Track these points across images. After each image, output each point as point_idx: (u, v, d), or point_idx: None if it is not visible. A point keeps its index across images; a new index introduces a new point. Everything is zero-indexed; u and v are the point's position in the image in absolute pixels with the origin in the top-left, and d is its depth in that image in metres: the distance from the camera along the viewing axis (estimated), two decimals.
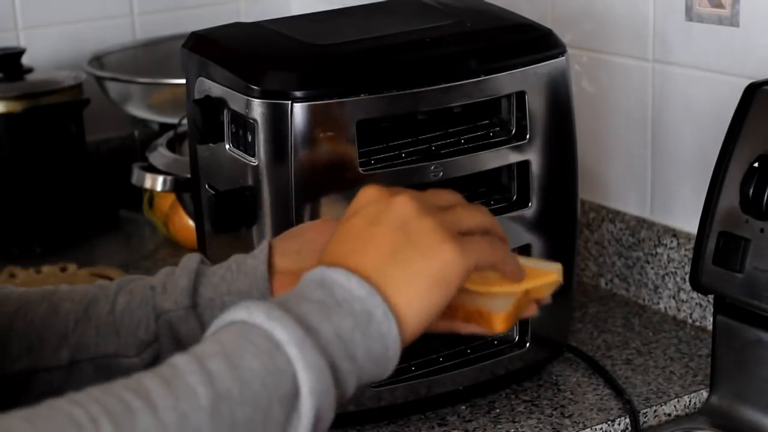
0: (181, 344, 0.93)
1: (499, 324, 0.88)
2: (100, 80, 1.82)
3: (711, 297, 1.34)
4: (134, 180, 1.69)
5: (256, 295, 0.92)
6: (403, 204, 0.81)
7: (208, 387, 0.71)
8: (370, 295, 0.78)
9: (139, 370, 0.91)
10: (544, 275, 0.92)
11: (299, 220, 1.13)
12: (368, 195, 0.84)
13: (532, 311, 0.92)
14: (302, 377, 0.74)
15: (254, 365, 0.73)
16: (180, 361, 0.73)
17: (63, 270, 1.66)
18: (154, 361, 0.93)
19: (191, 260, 0.96)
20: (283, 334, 0.74)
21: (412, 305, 0.79)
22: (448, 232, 0.80)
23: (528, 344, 1.28)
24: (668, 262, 1.46)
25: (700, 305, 1.43)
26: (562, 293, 1.30)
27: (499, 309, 0.88)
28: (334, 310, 0.77)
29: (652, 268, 1.48)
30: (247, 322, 0.75)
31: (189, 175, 1.31)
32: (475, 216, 0.84)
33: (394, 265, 0.79)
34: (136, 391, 0.70)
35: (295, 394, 0.74)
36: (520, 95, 1.20)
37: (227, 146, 1.18)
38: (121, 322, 0.94)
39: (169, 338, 0.93)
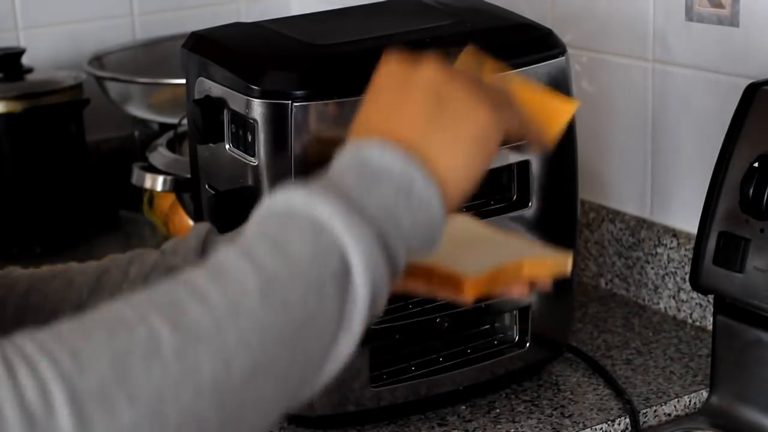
0: None
1: (468, 290, 0.84)
2: (100, 80, 1.82)
3: (711, 297, 1.34)
4: (134, 180, 1.69)
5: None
6: (432, 70, 0.79)
7: (256, 273, 0.68)
8: (407, 164, 0.75)
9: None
10: (548, 260, 0.89)
11: None
12: (391, 66, 0.81)
13: (520, 291, 0.88)
14: (352, 251, 0.71)
15: (301, 247, 0.70)
16: (225, 254, 0.70)
17: None
18: None
19: (201, 227, 0.96)
20: (326, 209, 0.71)
21: (454, 170, 0.77)
22: (481, 93, 0.79)
23: (528, 344, 1.28)
24: (668, 262, 1.46)
25: (700, 305, 1.43)
26: (562, 293, 1.30)
27: (472, 273, 0.84)
28: (374, 184, 0.74)
29: (652, 268, 1.48)
30: (290, 207, 0.72)
31: (189, 175, 1.31)
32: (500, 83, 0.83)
33: (432, 131, 0.77)
34: (185, 284, 0.68)
35: (346, 271, 0.71)
36: None
37: (227, 146, 1.18)
38: (134, 288, 0.94)
39: None
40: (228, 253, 0.70)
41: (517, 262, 0.87)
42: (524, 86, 0.88)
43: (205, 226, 0.97)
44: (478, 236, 0.92)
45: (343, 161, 0.77)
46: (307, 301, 0.69)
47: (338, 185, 0.74)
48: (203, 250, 0.94)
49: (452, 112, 0.78)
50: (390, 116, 0.79)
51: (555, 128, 0.87)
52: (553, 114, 0.88)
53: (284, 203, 0.73)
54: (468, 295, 0.84)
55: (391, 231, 0.73)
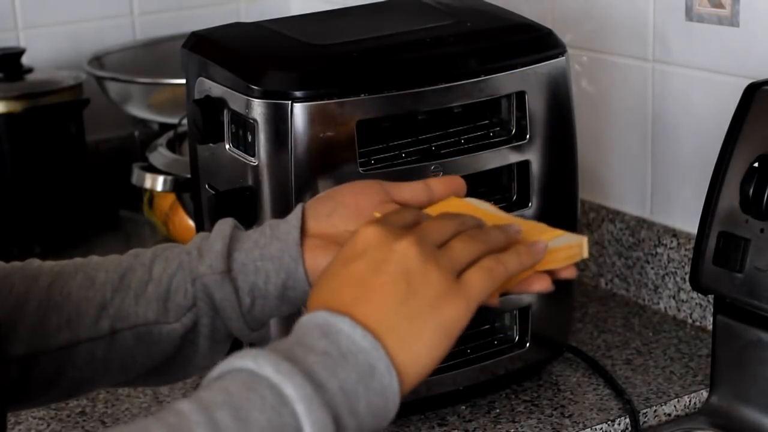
0: (216, 309, 0.93)
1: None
2: (100, 80, 1.82)
3: (711, 297, 1.34)
4: (134, 180, 1.69)
5: (287, 260, 0.92)
6: (406, 251, 0.80)
7: None
8: (374, 348, 0.77)
9: (179, 335, 0.94)
10: (564, 246, 0.87)
11: None
12: (368, 238, 0.81)
13: (542, 285, 0.87)
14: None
15: (261, 419, 0.72)
16: (186, 408, 0.72)
17: None
18: (194, 326, 0.94)
19: (225, 225, 0.95)
20: (292, 390, 0.73)
21: (416, 358, 0.78)
22: (452, 281, 0.80)
23: (528, 344, 1.28)
24: (668, 262, 1.46)
25: (700, 305, 1.43)
26: (562, 293, 1.30)
27: None
28: (340, 363, 0.76)
29: (652, 268, 1.48)
30: (255, 372, 0.74)
31: (189, 175, 1.31)
32: (474, 247, 0.83)
33: (399, 317, 0.78)
34: None
35: None
36: (520, 95, 1.20)
37: (227, 146, 1.18)
38: (159, 289, 0.94)
39: (205, 302, 0.94)
40: (191, 409, 0.72)
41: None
42: (530, 228, 0.88)
43: (229, 224, 0.95)
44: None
45: (313, 330, 0.78)
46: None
47: (305, 361, 0.75)
48: (229, 253, 0.93)
49: (421, 301, 0.79)
50: (361, 295, 0.79)
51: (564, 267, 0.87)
52: (563, 256, 0.87)
53: (255, 368, 0.75)
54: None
55: (346, 416, 0.75)
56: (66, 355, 0.93)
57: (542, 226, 0.90)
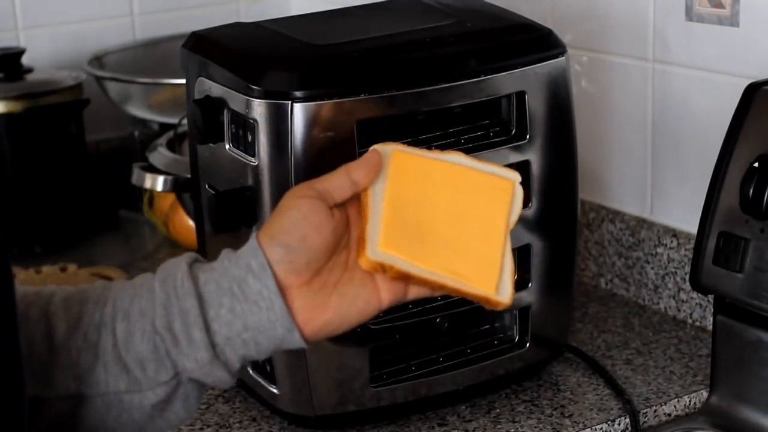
0: (204, 386, 0.92)
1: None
2: (100, 80, 1.82)
3: (711, 297, 1.34)
4: (134, 180, 1.69)
5: (280, 331, 0.90)
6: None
7: None
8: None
9: (152, 402, 0.89)
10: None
11: None
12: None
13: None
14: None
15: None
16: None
17: (63, 270, 1.66)
18: (170, 395, 0.91)
19: (184, 282, 0.90)
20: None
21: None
22: None
23: (528, 344, 1.28)
24: (668, 262, 1.46)
25: (700, 305, 1.43)
26: (562, 293, 1.30)
27: (503, 296, 0.96)
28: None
29: (652, 268, 1.48)
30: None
31: (189, 175, 1.31)
32: None
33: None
34: None
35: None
36: (520, 95, 1.20)
37: (227, 146, 1.18)
38: (127, 358, 0.89)
39: (192, 384, 0.91)
40: None
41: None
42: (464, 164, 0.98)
43: (190, 291, 0.90)
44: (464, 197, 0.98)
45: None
46: None
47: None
48: (209, 330, 0.89)
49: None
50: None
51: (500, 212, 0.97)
52: (496, 191, 0.97)
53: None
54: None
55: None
56: (35, 410, 0.88)
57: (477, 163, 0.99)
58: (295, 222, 0.92)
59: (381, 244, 0.93)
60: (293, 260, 0.91)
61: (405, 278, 0.94)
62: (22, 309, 0.89)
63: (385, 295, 0.94)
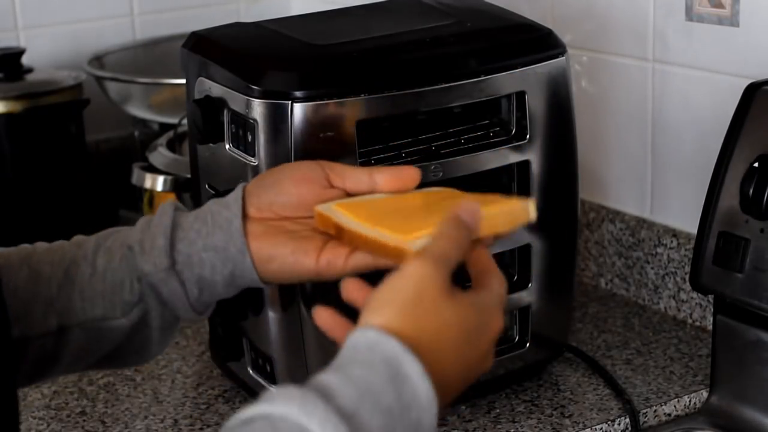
0: (164, 302, 0.95)
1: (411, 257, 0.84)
2: (100, 80, 1.82)
3: (711, 297, 1.34)
4: (134, 180, 1.69)
5: (233, 251, 0.94)
6: (496, 330, 0.82)
7: None
8: (431, 405, 0.74)
9: (128, 328, 0.95)
10: (506, 211, 0.89)
11: None
12: (436, 279, 0.77)
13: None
14: None
15: None
16: None
17: None
18: (142, 319, 0.96)
19: (166, 213, 0.96)
20: None
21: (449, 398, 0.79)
22: (493, 345, 0.82)
23: (528, 344, 1.28)
24: (668, 262, 1.46)
25: (700, 305, 1.43)
26: (562, 293, 1.30)
27: (415, 246, 0.85)
28: (398, 421, 0.72)
29: (652, 268, 1.48)
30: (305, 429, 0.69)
31: (189, 175, 1.31)
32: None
33: (458, 382, 0.79)
34: None
35: None
36: (520, 95, 1.20)
37: (227, 146, 1.18)
38: (104, 285, 0.95)
39: (153, 298, 0.96)
40: None
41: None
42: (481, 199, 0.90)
43: (169, 212, 0.96)
44: (436, 198, 0.96)
45: (379, 365, 0.72)
46: None
47: (370, 422, 0.70)
48: (172, 245, 0.94)
49: (477, 371, 0.81)
50: (444, 348, 0.77)
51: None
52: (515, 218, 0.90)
53: (283, 411, 0.69)
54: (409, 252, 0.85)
55: None
56: (19, 351, 0.93)
57: (493, 197, 0.91)
58: (283, 170, 0.99)
59: (337, 204, 0.95)
60: (260, 195, 0.96)
61: (340, 233, 0.93)
62: (3, 260, 0.96)
63: (324, 255, 0.94)
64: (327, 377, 0.72)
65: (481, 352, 0.80)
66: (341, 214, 0.93)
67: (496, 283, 0.82)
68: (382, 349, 0.73)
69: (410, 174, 0.96)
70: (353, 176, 0.97)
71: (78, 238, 1.00)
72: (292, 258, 0.95)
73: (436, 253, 0.79)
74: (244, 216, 0.96)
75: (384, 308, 0.75)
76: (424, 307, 0.76)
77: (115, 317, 0.96)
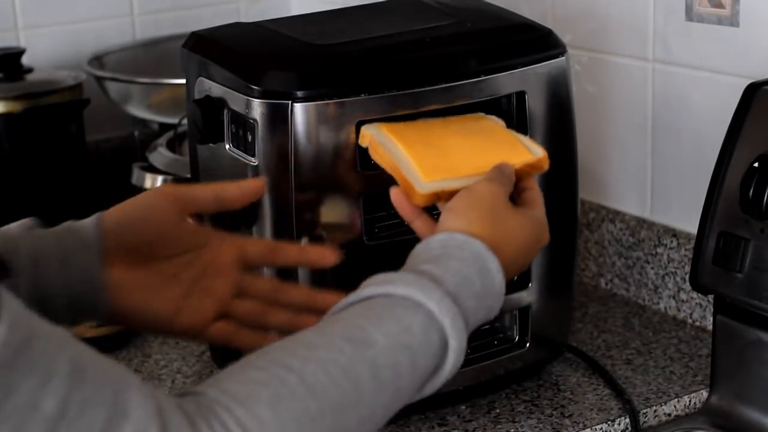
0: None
1: (417, 198, 1.00)
2: (100, 80, 1.82)
3: (711, 297, 1.34)
4: (134, 180, 1.69)
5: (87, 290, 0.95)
6: (544, 240, 1.02)
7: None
8: (501, 294, 0.92)
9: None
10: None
11: (299, 220, 1.13)
12: (500, 194, 0.98)
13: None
14: (451, 339, 0.86)
15: (419, 330, 0.84)
16: (371, 328, 0.82)
17: None
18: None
19: (22, 241, 1.00)
20: (436, 307, 0.85)
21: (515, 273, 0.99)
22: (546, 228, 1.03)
23: (528, 344, 1.28)
24: (668, 262, 1.46)
25: (700, 305, 1.43)
26: (562, 293, 1.30)
27: (422, 189, 1.00)
28: (482, 304, 0.90)
29: (652, 268, 1.48)
30: (411, 299, 0.85)
31: (189, 175, 1.31)
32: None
33: (512, 276, 0.97)
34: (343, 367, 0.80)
35: (444, 350, 0.86)
36: (520, 95, 1.20)
37: (227, 146, 1.18)
38: None
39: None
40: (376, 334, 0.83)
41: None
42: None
43: (25, 237, 1.01)
44: (479, 140, 1.09)
45: (469, 257, 0.90)
46: (415, 364, 0.85)
47: (465, 303, 0.88)
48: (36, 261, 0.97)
49: (530, 256, 0.99)
50: (516, 246, 0.96)
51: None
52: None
53: (405, 292, 0.85)
54: (417, 203, 1.01)
55: (470, 317, 0.89)
56: None
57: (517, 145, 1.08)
58: (137, 207, 1.01)
59: (382, 125, 1.08)
60: (122, 236, 0.98)
61: (375, 148, 1.07)
62: None
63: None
64: (429, 267, 0.88)
65: (532, 255, 0.99)
66: (384, 134, 1.06)
67: (540, 203, 1.03)
68: (471, 248, 0.91)
69: (256, 185, 1.05)
70: (199, 197, 1.01)
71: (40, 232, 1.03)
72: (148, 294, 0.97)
73: (499, 180, 0.99)
74: (102, 254, 0.96)
75: (465, 216, 0.94)
76: (496, 216, 0.95)
77: None
